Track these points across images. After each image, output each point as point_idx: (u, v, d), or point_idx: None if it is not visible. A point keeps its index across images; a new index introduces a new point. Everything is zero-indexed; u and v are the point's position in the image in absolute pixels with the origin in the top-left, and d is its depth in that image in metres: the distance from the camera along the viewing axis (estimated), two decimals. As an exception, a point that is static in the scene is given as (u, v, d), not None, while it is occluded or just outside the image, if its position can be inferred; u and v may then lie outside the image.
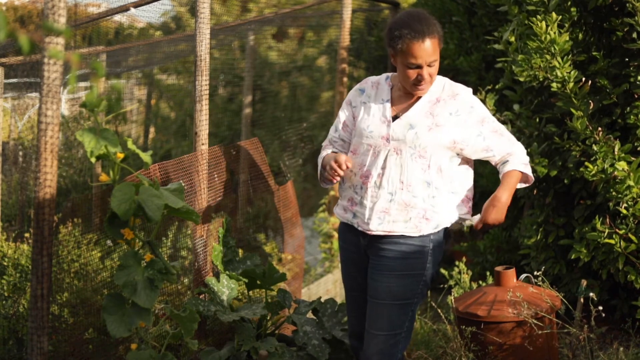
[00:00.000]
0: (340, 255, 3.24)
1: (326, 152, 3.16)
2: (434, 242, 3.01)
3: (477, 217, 3.04)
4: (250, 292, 3.83)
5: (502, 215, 2.99)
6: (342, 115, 3.14)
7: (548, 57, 3.82)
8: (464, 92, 3.02)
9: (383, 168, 2.96)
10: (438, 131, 2.93)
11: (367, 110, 3.04)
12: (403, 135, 2.93)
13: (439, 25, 2.94)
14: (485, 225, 3.00)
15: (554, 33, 3.78)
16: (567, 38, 3.81)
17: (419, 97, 3.00)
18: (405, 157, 2.94)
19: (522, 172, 3.02)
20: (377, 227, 2.98)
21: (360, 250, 3.09)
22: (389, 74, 3.13)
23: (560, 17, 3.83)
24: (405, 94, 3.02)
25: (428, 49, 2.85)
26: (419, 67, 2.87)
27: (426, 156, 2.94)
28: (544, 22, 3.78)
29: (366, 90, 3.10)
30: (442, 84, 3.03)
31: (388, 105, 3.01)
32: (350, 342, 3.30)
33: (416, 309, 3.07)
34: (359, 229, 3.04)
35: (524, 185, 3.12)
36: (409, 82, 2.92)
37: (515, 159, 3.02)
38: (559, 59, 3.80)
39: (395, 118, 2.99)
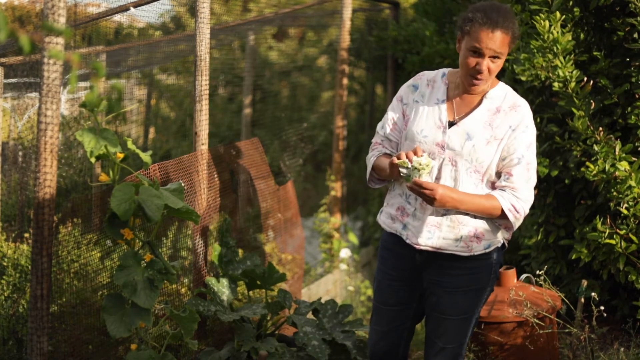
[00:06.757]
0: (380, 264, 2.97)
1: (378, 151, 2.91)
2: (496, 253, 2.84)
3: (427, 178, 2.69)
4: (250, 292, 3.82)
5: (442, 200, 2.64)
6: (391, 112, 2.88)
7: (550, 56, 3.81)
8: (525, 105, 2.77)
9: (437, 178, 2.74)
10: (495, 145, 2.72)
11: (420, 112, 2.80)
12: (460, 147, 2.71)
13: (518, 27, 2.71)
14: (422, 190, 2.64)
15: (557, 32, 3.77)
16: (570, 37, 3.80)
17: (479, 104, 2.76)
18: (461, 170, 2.72)
19: (501, 210, 2.74)
20: (425, 241, 2.77)
21: (415, 266, 2.85)
22: (445, 70, 2.87)
23: (563, 16, 3.82)
24: (463, 96, 2.78)
25: (496, 40, 2.62)
26: (481, 55, 2.64)
27: (481, 171, 2.73)
28: (547, 22, 3.77)
29: (420, 88, 2.85)
30: (505, 92, 2.79)
31: (444, 107, 2.78)
32: None
33: (479, 316, 2.92)
34: (407, 241, 2.82)
35: (492, 221, 2.79)
36: (467, 71, 2.69)
37: (512, 196, 2.74)
38: (561, 58, 3.80)
39: (451, 124, 2.75)
